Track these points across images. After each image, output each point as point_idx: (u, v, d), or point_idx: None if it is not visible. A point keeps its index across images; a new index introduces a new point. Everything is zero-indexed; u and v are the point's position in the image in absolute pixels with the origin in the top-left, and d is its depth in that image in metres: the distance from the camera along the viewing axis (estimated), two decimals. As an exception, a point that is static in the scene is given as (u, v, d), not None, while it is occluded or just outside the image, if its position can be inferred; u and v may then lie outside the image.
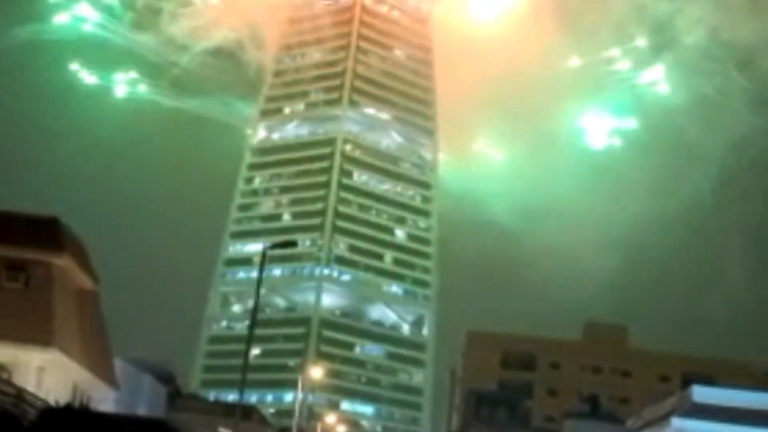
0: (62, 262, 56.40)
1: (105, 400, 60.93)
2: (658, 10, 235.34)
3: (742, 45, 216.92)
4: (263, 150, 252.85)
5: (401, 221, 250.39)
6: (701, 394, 68.05)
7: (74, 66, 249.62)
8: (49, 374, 53.99)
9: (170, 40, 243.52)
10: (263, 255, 56.98)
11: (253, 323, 54.81)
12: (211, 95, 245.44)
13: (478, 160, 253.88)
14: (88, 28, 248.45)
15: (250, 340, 53.08)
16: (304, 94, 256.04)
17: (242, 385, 53.80)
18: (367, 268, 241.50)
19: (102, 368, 60.93)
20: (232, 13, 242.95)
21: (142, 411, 72.32)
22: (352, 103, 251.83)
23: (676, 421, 66.28)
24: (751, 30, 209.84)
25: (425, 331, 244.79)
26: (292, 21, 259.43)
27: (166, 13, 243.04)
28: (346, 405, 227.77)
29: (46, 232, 56.47)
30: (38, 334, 53.15)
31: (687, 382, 75.94)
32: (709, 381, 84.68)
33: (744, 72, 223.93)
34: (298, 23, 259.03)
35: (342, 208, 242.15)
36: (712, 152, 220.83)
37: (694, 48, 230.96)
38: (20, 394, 41.63)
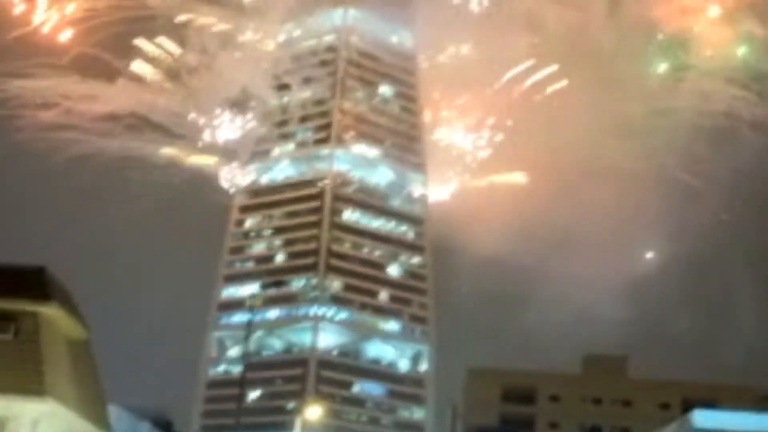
0: (50, 311, 55.92)
1: (101, 449, 60.27)
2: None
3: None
4: (253, 192, 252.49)
5: (395, 257, 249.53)
6: (702, 418, 67.44)
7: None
8: (44, 425, 53.38)
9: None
10: (254, 297, 56.74)
11: (246, 367, 54.38)
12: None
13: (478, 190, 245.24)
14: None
15: (243, 384, 52.62)
16: (292, 135, 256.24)
17: (237, 429, 53.29)
18: (363, 306, 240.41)
19: (97, 416, 60.24)
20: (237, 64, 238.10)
21: (139, 459, 71.72)
22: (341, 142, 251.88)
23: (678, 447, 65.73)
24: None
25: (424, 367, 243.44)
26: (276, 62, 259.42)
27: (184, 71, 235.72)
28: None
29: (34, 282, 56.03)
30: (30, 385, 52.55)
31: (688, 408, 75.18)
32: (711, 406, 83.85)
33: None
34: (283, 64, 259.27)
35: (335, 247, 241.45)
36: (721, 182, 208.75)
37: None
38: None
